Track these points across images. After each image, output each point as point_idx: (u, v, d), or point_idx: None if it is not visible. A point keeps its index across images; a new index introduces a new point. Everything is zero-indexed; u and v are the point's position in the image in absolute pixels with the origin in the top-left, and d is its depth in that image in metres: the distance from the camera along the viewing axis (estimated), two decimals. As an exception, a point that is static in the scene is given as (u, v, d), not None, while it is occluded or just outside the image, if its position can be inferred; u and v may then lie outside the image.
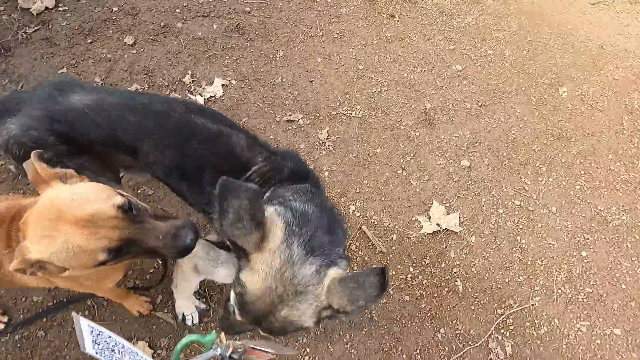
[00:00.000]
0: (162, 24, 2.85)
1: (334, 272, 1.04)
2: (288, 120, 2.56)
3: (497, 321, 2.06)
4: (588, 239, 2.38)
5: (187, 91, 2.56)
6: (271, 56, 2.83)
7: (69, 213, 0.93)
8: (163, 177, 1.44)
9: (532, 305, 2.13)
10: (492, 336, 2.03)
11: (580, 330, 2.09)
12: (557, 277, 2.23)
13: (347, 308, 0.98)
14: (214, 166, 1.30)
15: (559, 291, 2.19)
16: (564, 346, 2.04)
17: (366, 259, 2.16)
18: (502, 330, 2.05)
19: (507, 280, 2.20)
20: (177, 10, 2.95)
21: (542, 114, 2.86)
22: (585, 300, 2.18)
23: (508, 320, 2.08)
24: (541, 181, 2.56)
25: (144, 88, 2.55)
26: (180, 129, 1.32)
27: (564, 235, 2.38)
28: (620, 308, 2.18)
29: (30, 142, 1.24)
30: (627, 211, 2.50)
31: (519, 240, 2.33)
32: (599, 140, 2.79)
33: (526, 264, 2.26)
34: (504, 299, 2.13)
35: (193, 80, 2.62)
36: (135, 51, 2.69)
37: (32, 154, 1.00)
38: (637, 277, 2.28)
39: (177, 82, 2.60)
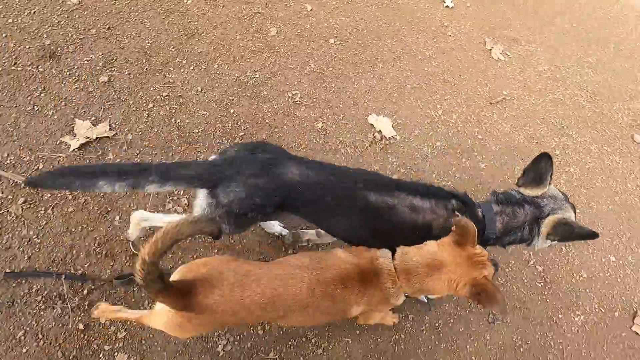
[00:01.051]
0: None
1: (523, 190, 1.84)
2: None
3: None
4: (234, 100, 2.86)
5: None
6: None
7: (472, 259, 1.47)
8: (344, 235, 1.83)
9: (199, 163, 2.46)
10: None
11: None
12: (214, 134, 2.63)
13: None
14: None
15: (218, 143, 2.60)
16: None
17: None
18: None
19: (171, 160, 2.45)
20: None
21: (172, 21, 3.16)
22: (240, 141, 2.66)
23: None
24: (184, 72, 2.88)
25: None
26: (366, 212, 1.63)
27: (213, 104, 2.79)
28: (268, 136, 2.75)
29: (251, 206, 1.50)
30: (259, 71, 3.11)
31: (175, 121, 2.60)
32: (226, 28, 3.31)
33: (185, 136, 2.56)
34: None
35: None
36: None
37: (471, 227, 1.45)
38: (275, 112, 2.90)
39: None
